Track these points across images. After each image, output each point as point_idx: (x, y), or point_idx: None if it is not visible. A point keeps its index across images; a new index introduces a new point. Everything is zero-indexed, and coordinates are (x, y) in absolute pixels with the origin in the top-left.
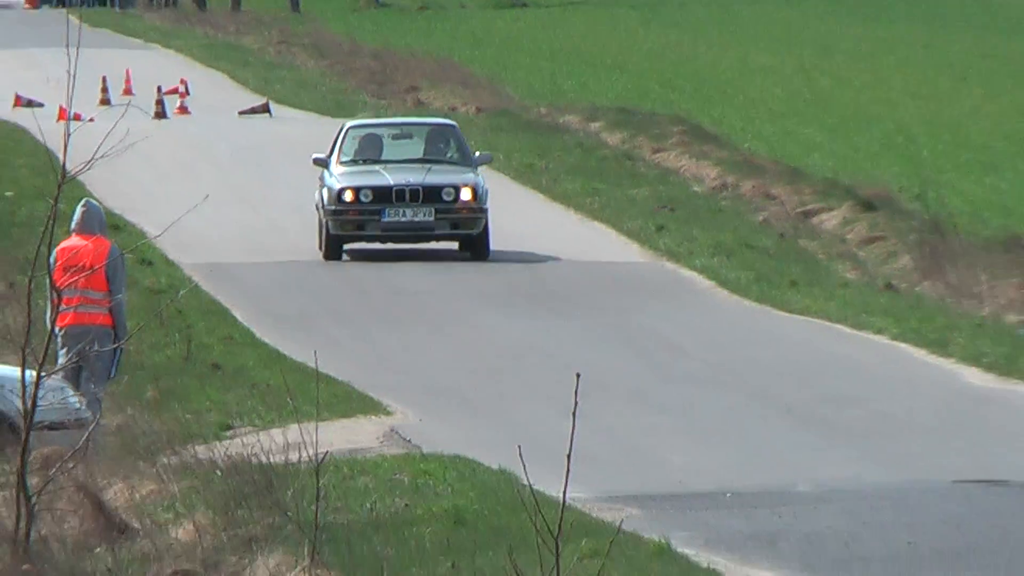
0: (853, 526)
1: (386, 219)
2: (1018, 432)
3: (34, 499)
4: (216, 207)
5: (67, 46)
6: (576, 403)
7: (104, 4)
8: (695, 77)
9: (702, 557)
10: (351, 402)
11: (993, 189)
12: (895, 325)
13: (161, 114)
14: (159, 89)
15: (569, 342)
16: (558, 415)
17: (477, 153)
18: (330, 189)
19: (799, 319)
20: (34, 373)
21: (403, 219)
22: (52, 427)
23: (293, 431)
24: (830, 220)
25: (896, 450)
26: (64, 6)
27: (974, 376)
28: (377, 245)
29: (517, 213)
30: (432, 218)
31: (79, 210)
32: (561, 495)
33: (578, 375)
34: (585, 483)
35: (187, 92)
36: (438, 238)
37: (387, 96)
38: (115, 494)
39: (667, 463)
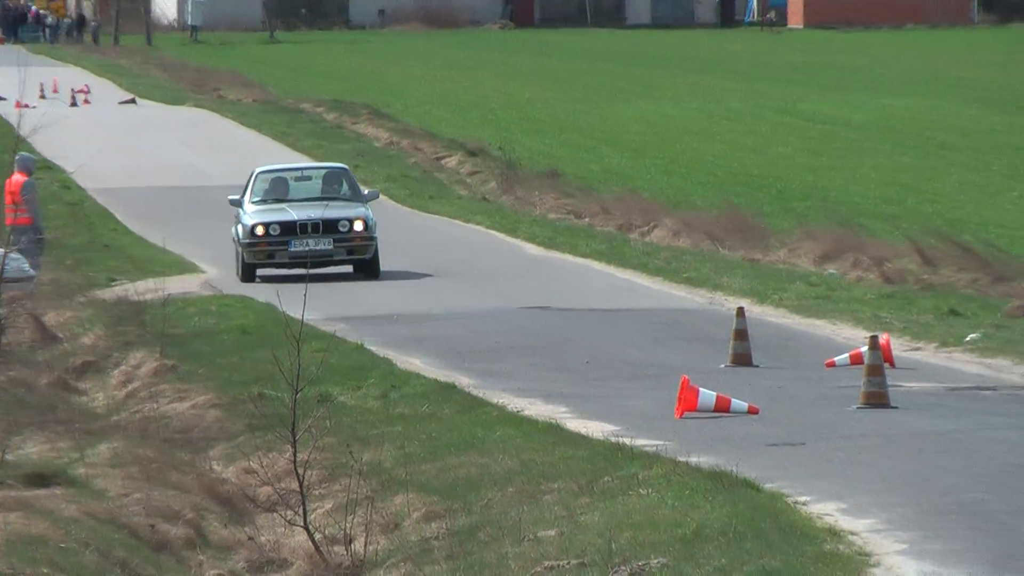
0: (467, 333)
1: (292, 248)
2: (555, 281)
3: (2, 321)
4: (108, 155)
5: (19, 65)
6: (308, 266)
7: (40, 40)
8: (377, 81)
9: (380, 350)
10: (184, 266)
11: (542, 145)
12: (488, 220)
13: (74, 104)
14: (72, 90)
15: None
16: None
17: (366, 191)
18: (244, 225)
19: (435, 217)
20: (2, 252)
21: (306, 248)
22: (14, 281)
23: (151, 283)
24: (451, 162)
25: (491, 289)
26: (18, 42)
27: (532, 248)
28: (285, 271)
29: (276, 157)
30: (331, 247)
31: (16, 158)
32: (301, 317)
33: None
34: (317, 310)
35: (89, 91)
36: (336, 263)
37: (202, 93)
38: (50, 318)
39: (363, 299)
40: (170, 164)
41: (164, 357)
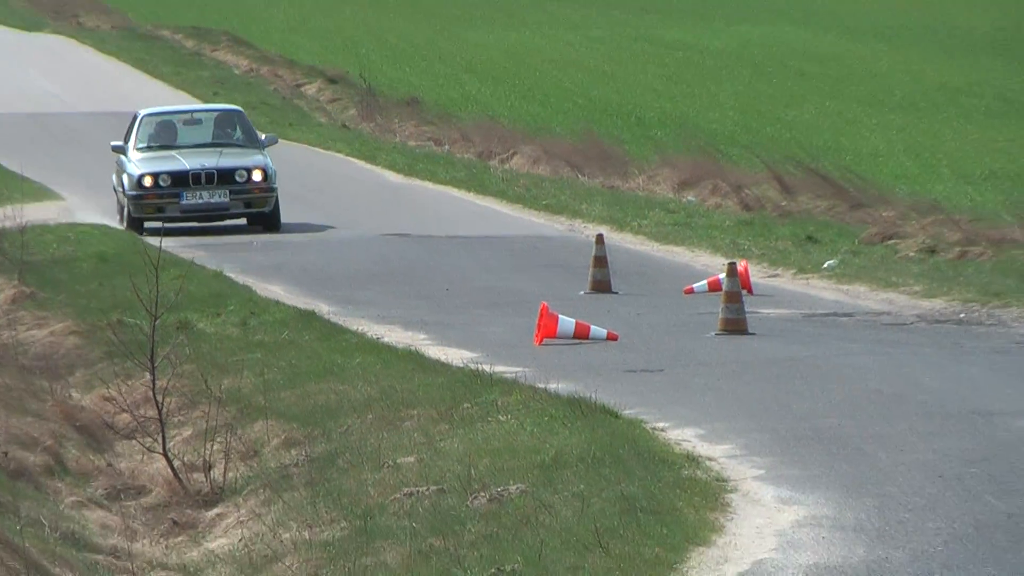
0: (326, 260)
1: (184, 202)
2: (415, 208)
3: None
4: None
5: None
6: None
7: None
8: (237, 8)
9: (240, 277)
10: (42, 194)
11: (402, 73)
12: (348, 148)
13: None
14: None
15: None
16: None
17: (263, 136)
18: (129, 175)
19: (297, 145)
20: None
21: (200, 201)
22: None
23: (8, 210)
24: (311, 89)
25: (351, 217)
26: None
27: (392, 176)
28: (175, 225)
29: (136, 82)
30: (227, 199)
31: None
32: (159, 243)
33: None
34: (175, 241)
35: None
36: (233, 216)
37: (61, 19)
38: None
39: (220, 226)
40: (26, 91)
41: (22, 284)
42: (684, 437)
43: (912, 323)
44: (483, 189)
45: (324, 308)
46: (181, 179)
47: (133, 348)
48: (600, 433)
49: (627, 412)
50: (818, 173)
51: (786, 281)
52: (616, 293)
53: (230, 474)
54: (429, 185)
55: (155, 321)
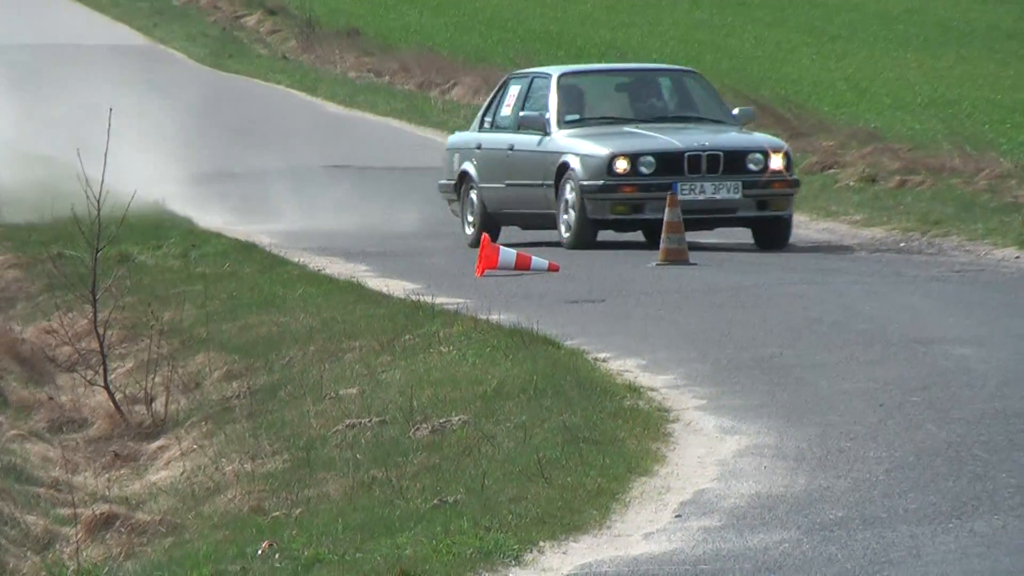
0: (267, 192)
1: (679, 196)
2: (356, 140)
3: None
4: None
5: None
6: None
7: None
8: None
9: (180, 209)
10: None
11: (341, 3)
12: (288, 80)
13: None
14: None
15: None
16: None
17: (736, 110)
18: (585, 159)
19: (235, 76)
20: None
21: (700, 197)
22: None
23: None
24: (250, 21)
25: (292, 147)
26: None
27: (332, 107)
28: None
29: (71, 12)
30: (739, 195)
31: None
32: (101, 175)
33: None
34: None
35: None
36: (739, 222)
37: None
38: None
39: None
40: None
41: None
42: (626, 367)
43: (853, 252)
44: (424, 120)
45: (265, 240)
46: (672, 163)
47: (74, 280)
48: (542, 364)
49: (569, 343)
50: (758, 103)
51: None
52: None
53: (171, 406)
54: (369, 116)
55: (96, 253)
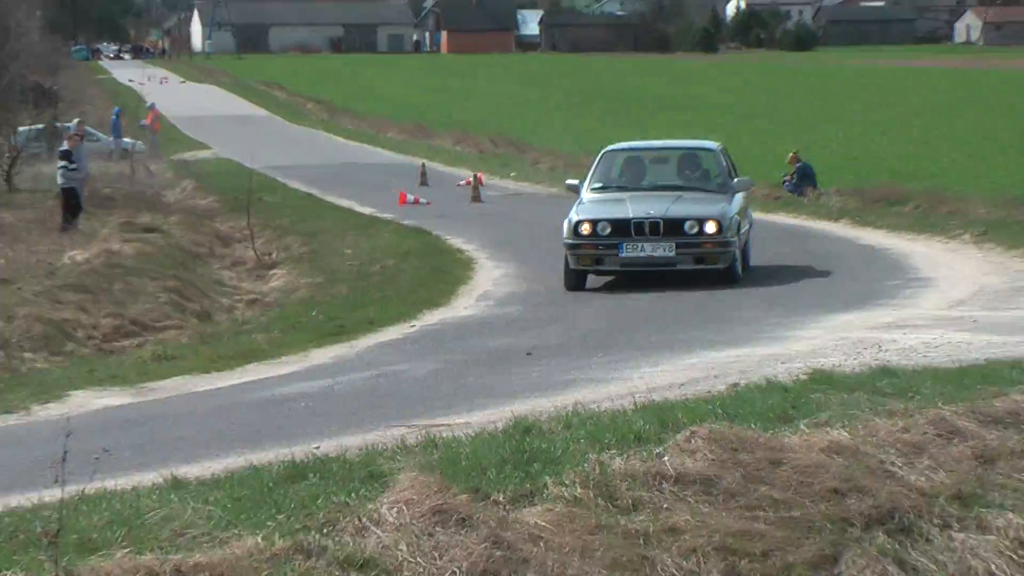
0: (313, 173)
1: (624, 254)
2: (351, 151)
3: None
4: (174, 103)
5: (141, 68)
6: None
7: (150, 57)
8: None
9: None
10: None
11: (356, 102)
12: (322, 127)
13: (161, 83)
14: (160, 78)
15: None
16: None
17: (737, 179)
18: (568, 222)
19: (298, 126)
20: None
21: (640, 254)
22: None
23: (187, 155)
24: (309, 105)
25: (321, 154)
26: (138, 58)
27: (341, 139)
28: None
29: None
30: (673, 253)
31: (146, 104)
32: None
33: None
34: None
35: (168, 79)
36: (680, 273)
37: (211, 78)
38: None
39: None
40: (201, 105)
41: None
42: (457, 244)
43: (545, 196)
44: (384, 145)
45: (315, 191)
46: (621, 228)
47: (242, 206)
48: (425, 240)
49: (435, 232)
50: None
51: (496, 181)
52: (427, 185)
53: (277, 256)
54: (367, 146)
55: (249, 196)
